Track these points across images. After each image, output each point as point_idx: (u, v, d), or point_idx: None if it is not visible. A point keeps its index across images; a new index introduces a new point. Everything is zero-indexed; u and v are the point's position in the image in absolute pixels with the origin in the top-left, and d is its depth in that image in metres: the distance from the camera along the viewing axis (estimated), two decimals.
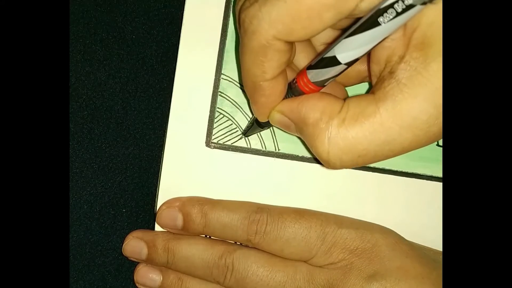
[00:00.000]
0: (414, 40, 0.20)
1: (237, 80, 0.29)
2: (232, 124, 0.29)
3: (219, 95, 0.29)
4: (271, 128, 0.28)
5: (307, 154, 0.29)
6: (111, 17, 0.30)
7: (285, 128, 0.24)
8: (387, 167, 0.29)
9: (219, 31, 0.28)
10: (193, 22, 0.28)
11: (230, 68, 0.28)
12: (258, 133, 0.28)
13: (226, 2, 0.28)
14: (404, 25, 0.20)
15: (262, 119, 0.25)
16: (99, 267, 0.30)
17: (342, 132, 0.21)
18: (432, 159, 0.29)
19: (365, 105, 0.21)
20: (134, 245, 0.29)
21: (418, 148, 0.21)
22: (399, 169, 0.29)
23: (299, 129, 0.23)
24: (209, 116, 0.29)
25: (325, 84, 0.22)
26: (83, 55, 0.30)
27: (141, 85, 0.30)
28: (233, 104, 0.29)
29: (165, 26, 0.30)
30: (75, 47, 0.30)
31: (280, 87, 0.22)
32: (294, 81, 0.23)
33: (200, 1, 0.28)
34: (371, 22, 0.19)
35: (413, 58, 0.20)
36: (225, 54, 0.28)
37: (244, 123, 0.29)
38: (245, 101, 0.29)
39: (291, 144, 0.29)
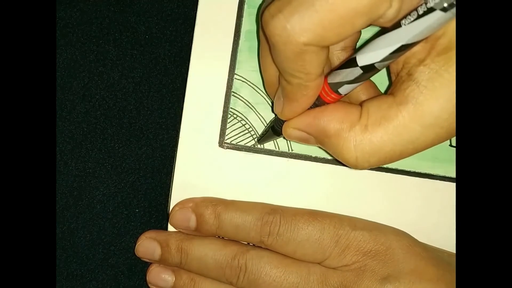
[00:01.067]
0: (438, 46, 0.20)
1: (251, 80, 0.28)
2: (245, 124, 0.29)
3: (232, 95, 0.28)
4: None
5: (320, 155, 0.28)
6: (124, 17, 0.30)
7: (304, 142, 0.25)
8: (400, 168, 0.28)
9: (232, 31, 0.28)
10: (206, 22, 0.28)
11: (243, 68, 0.28)
12: None
13: (239, 2, 0.28)
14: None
15: (288, 117, 0.24)
16: (112, 267, 0.30)
17: (367, 137, 0.22)
18: (445, 160, 0.28)
19: (386, 108, 0.22)
20: (147, 245, 0.29)
21: (440, 143, 0.22)
22: (412, 170, 0.28)
23: (320, 141, 0.24)
24: (222, 116, 0.29)
25: (341, 92, 0.22)
26: (96, 55, 0.30)
27: (154, 85, 0.30)
28: (246, 104, 0.28)
29: (178, 26, 0.30)
30: (88, 47, 0.30)
31: (320, 86, 0.23)
32: None
33: (213, 1, 0.28)
34: (393, 25, 0.19)
35: (434, 61, 0.20)
36: (238, 54, 0.28)
37: (257, 123, 0.28)
38: (258, 101, 0.28)
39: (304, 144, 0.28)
